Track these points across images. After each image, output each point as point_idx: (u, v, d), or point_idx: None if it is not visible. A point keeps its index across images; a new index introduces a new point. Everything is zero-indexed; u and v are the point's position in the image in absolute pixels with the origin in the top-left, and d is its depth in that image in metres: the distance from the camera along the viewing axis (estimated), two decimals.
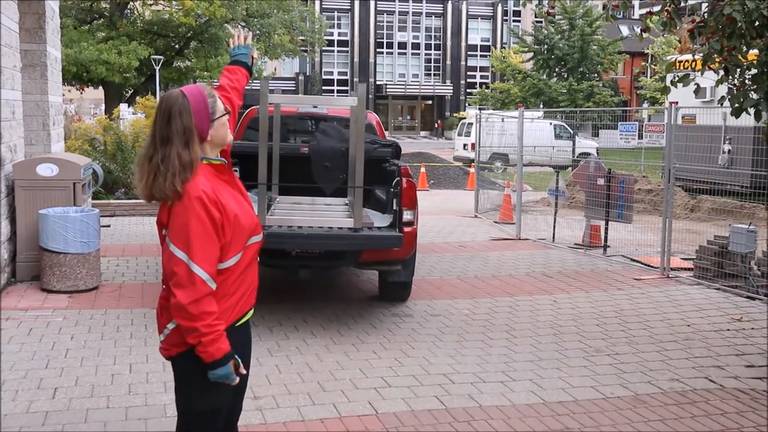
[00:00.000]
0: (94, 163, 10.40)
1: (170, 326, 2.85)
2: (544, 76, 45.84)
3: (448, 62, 66.17)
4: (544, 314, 7.50)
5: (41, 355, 5.81)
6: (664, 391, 5.44)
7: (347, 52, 64.18)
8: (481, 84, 58.46)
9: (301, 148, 7.90)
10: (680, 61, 15.00)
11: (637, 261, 10.26)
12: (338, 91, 62.05)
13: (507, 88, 46.91)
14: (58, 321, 6.75)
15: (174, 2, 28.84)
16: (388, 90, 64.24)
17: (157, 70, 30.25)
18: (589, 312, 7.63)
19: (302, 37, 37.42)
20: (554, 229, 11.97)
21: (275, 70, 50.98)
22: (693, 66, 6.49)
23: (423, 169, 21.30)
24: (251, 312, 3.04)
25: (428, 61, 66.61)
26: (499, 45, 63.28)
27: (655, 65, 48.49)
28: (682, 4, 6.03)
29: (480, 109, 32.43)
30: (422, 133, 65.68)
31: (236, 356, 2.81)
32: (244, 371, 2.86)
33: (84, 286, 7.74)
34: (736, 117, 6.14)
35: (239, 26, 33.00)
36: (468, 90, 63.86)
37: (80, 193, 8.34)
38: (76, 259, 7.64)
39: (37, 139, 9.85)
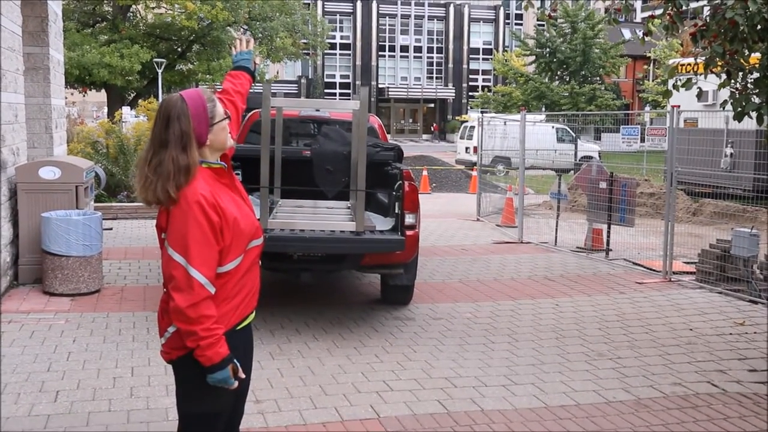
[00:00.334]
0: (97, 166, 10.41)
1: (171, 329, 2.85)
2: (546, 80, 45.81)
3: (450, 65, 66.20)
4: (546, 318, 7.50)
5: (43, 358, 5.81)
6: (666, 395, 5.43)
7: (349, 55, 64.23)
8: (483, 87, 58.51)
9: (303, 152, 7.90)
10: (682, 65, 15.01)
11: (639, 265, 10.25)
12: (340, 95, 62.08)
13: (509, 92, 46.90)
14: (60, 324, 6.75)
15: (176, 5, 28.87)
16: (390, 93, 64.28)
17: (159, 73, 30.28)
18: (591, 315, 7.62)
19: (304, 41, 37.43)
20: (556, 233, 11.96)
21: (277, 73, 51.04)
22: (695, 69, 6.47)
23: (425, 173, 21.30)
24: (253, 315, 3.04)
25: (430, 64, 66.65)
26: (501, 48, 63.30)
27: (657, 69, 48.54)
28: (684, 8, 6.02)
29: (482, 112, 32.46)
30: (424, 137, 65.68)
31: (235, 360, 2.81)
32: (242, 376, 2.85)
33: (86, 289, 7.74)
34: (739, 121, 6.13)
35: (242, 29, 33.12)
36: (470, 93, 63.89)
37: (83, 196, 8.35)
38: (78, 262, 7.64)
39: (39, 142, 9.87)
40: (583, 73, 45.26)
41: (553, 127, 25.63)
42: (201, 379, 2.80)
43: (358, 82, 61.90)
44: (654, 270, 9.83)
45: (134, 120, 21.48)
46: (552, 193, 12.46)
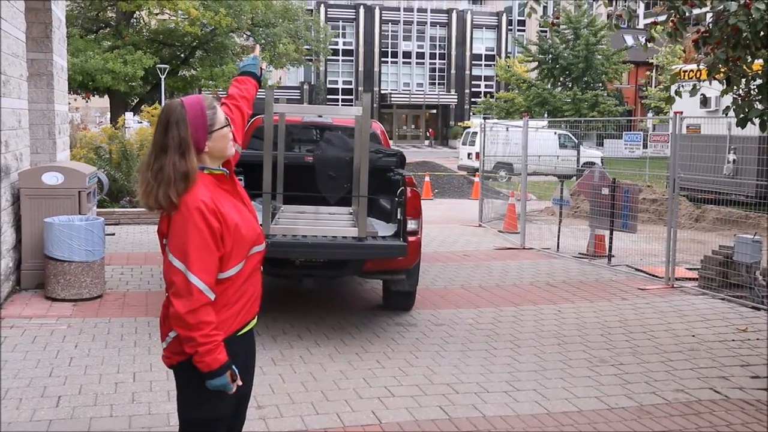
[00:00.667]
0: (99, 172, 10.42)
1: (171, 335, 2.86)
2: (549, 86, 45.85)
3: (453, 71, 66.24)
4: (549, 324, 7.49)
5: (45, 363, 5.81)
6: (668, 401, 5.42)
7: (352, 61, 64.31)
8: (485, 93, 58.48)
9: (305, 158, 7.91)
10: (685, 71, 15.02)
11: (641, 271, 10.24)
12: (343, 101, 62.14)
13: (511, 98, 46.97)
14: (62, 329, 6.75)
15: (180, 12, 28.95)
16: (392, 99, 64.33)
17: (162, 79, 30.35)
18: (593, 322, 7.61)
19: (307, 47, 37.50)
20: (558, 239, 11.96)
21: (280, 79, 51.11)
22: (698, 76, 6.48)
23: (427, 178, 21.30)
24: (254, 321, 3.05)
25: (433, 70, 66.71)
26: (503, 54, 63.33)
27: (659, 75, 48.55)
28: (687, 15, 6.02)
29: (484, 118, 32.47)
30: (426, 142, 65.70)
31: (233, 367, 2.81)
32: (240, 382, 2.85)
33: (88, 294, 7.75)
34: (742, 127, 6.13)
35: (245, 36, 33.20)
36: (472, 99, 63.91)
37: (85, 202, 8.36)
38: (80, 268, 7.65)
39: (42, 148, 9.88)
40: (586, 79, 45.30)
41: (555, 133, 25.64)
42: (201, 384, 2.81)
43: (360, 88, 61.97)
44: (656, 276, 9.82)
45: (137, 126, 21.52)
46: (554, 199, 12.45)
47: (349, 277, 8.38)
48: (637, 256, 10.86)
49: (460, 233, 13.66)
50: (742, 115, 6.02)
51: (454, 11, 65.87)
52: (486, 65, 65.78)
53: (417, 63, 66.20)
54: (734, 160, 14.17)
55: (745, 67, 5.99)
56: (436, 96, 65.64)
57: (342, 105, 56.48)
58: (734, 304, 8.42)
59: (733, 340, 7.05)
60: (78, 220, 7.86)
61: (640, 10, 64.61)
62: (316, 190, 7.59)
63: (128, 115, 28.25)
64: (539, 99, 44.77)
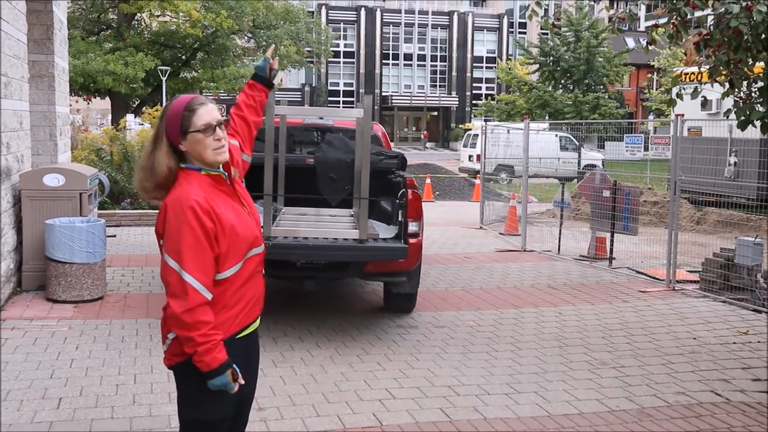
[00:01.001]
0: (101, 174, 10.43)
1: (171, 336, 2.86)
2: (550, 88, 45.84)
3: (454, 74, 66.27)
4: (550, 326, 7.49)
5: (46, 365, 5.82)
6: (669, 404, 5.42)
7: (353, 63, 64.34)
8: (486, 95, 58.50)
9: (306, 159, 7.92)
10: (686, 74, 15.01)
11: (642, 273, 10.23)
12: (344, 103, 62.16)
13: (512, 100, 46.94)
14: (63, 331, 6.75)
15: (181, 14, 28.97)
16: (393, 101, 64.34)
17: (163, 81, 30.37)
18: (594, 324, 7.61)
19: (308, 49, 37.52)
20: (559, 241, 11.96)
21: (281, 81, 51.17)
22: (699, 78, 6.48)
23: (428, 181, 21.30)
24: (256, 324, 3.05)
25: (434, 72, 66.73)
26: (504, 57, 63.35)
27: (661, 77, 48.55)
28: (689, 17, 6.02)
29: (485, 120, 32.47)
30: (428, 145, 65.72)
31: (234, 366, 2.81)
32: (242, 381, 2.85)
33: (89, 296, 7.75)
34: (743, 130, 6.13)
35: (246, 37, 33.21)
36: (473, 101, 63.90)
37: (86, 204, 8.36)
38: (81, 269, 7.65)
39: (44, 150, 9.89)
40: (587, 81, 45.29)
41: (556, 135, 25.63)
42: (200, 385, 2.81)
43: (361, 90, 61.99)
44: (657, 279, 9.82)
45: (138, 127, 21.54)
46: (555, 201, 12.45)
47: (350, 279, 8.38)
48: (638, 259, 10.86)
49: (461, 235, 13.65)
50: (743, 118, 6.02)
51: (456, 13, 65.92)
52: (487, 67, 65.79)
53: (418, 65, 66.23)
54: (735, 163, 14.16)
55: (746, 70, 5.99)
56: (437, 98, 65.67)
57: (343, 107, 56.48)
58: (735, 306, 8.42)
59: (734, 343, 7.04)
60: (79, 222, 7.86)
61: (642, 12, 64.53)
62: (318, 192, 7.59)
63: (129, 116, 28.27)
64: (540, 101, 44.77)
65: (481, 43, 67.28)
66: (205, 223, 2.76)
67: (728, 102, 6.47)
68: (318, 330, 7.07)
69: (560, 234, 12.07)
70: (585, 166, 21.85)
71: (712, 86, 6.33)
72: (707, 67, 6.27)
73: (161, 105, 27.95)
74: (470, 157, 28.48)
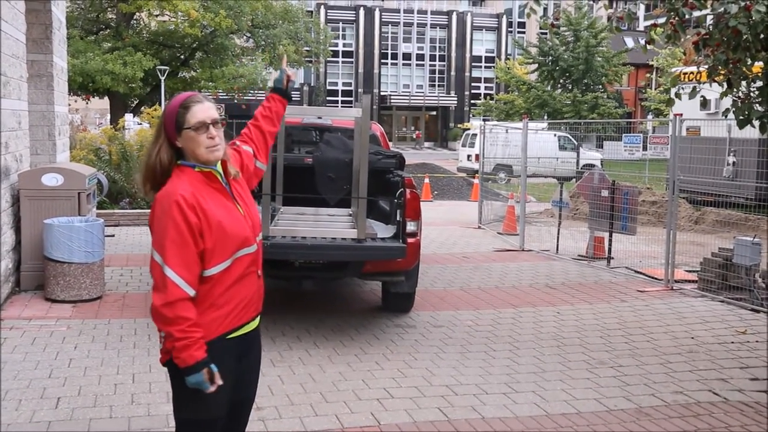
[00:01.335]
0: (99, 173, 10.43)
1: (163, 333, 2.87)
2: (549, 88, 45.85)
3: (453, 73, 66.27)
4: (548, 326, 7.49)
5: (45, 365, 5.82)
6: (667, 403, 5.43)
7: (352, 62, 64.33)
8: (485, 95, 58.49)
9: (305, 159, 7.92)
10: (685, 73, 15.03)
11: (640, 273, 10.24)
12: (343, 102, 62.17)
13: (511, 100, 46.95)
14: (61, 330, 6.75)
15: (180, 13, 28.95)
16: (392, 101, 64.34)
17: (162, 81, 30.36)
18: (592, 324, 7.62)
19: (307, 48, 37.48)
20: (558, 241, 11.96)
21: None
22: (698, 78, 6.49)
23: (427, 180, 21.31)
24: (251, 325, 3.04)
25: (433, 72, 66.73)
26: (503, 56, 63.38)
27: (659, 77, 48.59)
28: (687, 17, 6.03)
29: (484, 120, 32.48)
30: (426, 144, 65.73)
31: (212, 366, 2.79)
32: (220, 382, 2.82)
33: (88, 295, 7.75)
34: (741, 129, 6.14)
35: (245, 37, 33.17)
36: (472, 101, 63.92)
37: (85, 203, 8.36)
38: (80, 269, 7.65)
39: (42, 149, 9.89)
40: (586, 81, 45.30)
41: (555, 135, 25.64)
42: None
43: (360, 90, 61.99)
44: (656, 278, 9.82)
45: (137, 127, 21.53)
46: (554, 201, 12.46)
47: (349, 279, 8.38)
48: (636, 258, 10.87)
49: (460, 235, 13.66)
50: (742, 117, 6.02)
51: (454, 13, 65.93)
52: (486, 67, 65.81)
53: (417, 65, 66.23)
54: (734, 163, 14.16)
55: (745, 69, 6.00)
56: (436, 98, 65.68)
57: (341, 106, 56.49)
58: (733, 306, 8.43)
59: (733, 343, 7.05)
60: (78, 222, 7.86)
61: (641, 12, 64.61)
62: (316, 191, 7.59)
63: (128, 116, 28.24)
64: (539, 101, 44.78)
65: (479, 42, 67.28)
66: (190, 218, 2.77)
67: (727, 101, 6.47)
68: (316, 329, 7.07)
69: (558, 234, 12.08)
70: (583, 165, 21.87)
71: (711, 86, 6.34)
72: (706, 66, 6.27)
73: (160, 105, 27.95)
74: (469, 156, 28.48)
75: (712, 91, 6.52)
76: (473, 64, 66.82)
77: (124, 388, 5.37)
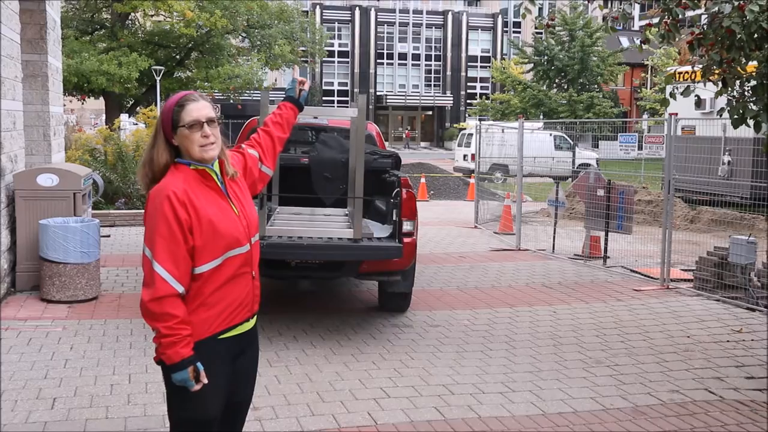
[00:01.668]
0: (95, 174, 10.42)
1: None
2: (544, 87, 45.90)
3: (449, 73, 66.31)
4: (544, 325, 7.50)
5: (40, 365, 5.81)
6: (663, 402, 5.43)
7: (348, 62, 64.33)
8: (481, 95, 58.56)
9: (301, 159, 7.91)
10: (680, 73, 15.04)
11: (636, 272, 10.26)
12: (338, 102, 62.16)
13: (507, 99, 46.99)
14: (57, 331, 6.74)
15: (175, 13, 28.90)
16: (388, 101, 64.36)
17: (157, 81, 30.32)
18: (588, 323, 7.63)
19: (303, 48, 37.46)
20: (554, 240, 11.97)
21: (275, 80, 51.08)
22: (693, 77, 6.50)
23: (423, 180, 21.31)
24: (245, 326, 3.03)
25: (428, 71, 66.76)
26: (499, 56, 63.45)
27: (655, 76, 48.65)
28: (681, 17, 6.04)
29: (480, 119, 32.48)
30: (422, 144, 65.75)
31: (198, 364, 2.80)
32: (205, 381, 2.82)
33: (84, 296, 7.74)
34: (736, 128, 6.15)
35: (240, 37, 33.13)
36: (468, 101, 63.99)
37: (80, 204, 8.35)
38: (75, 269, 7.64)
39: (37, 150, 9.87)
40: (581, 80, 45.36)
41: (551, 134, 25.65)
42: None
43: (356, 90, 61.97)
44: (651, 277, 9.84)
45: (133, 127, 21.52)
46: (550, 200, 12.47)
47: (345, 279, 8.38)
48: (632, 258, 10.88)
49: (456, 235, 13.67)
50: (736, 116, 6.04)
51: (450, 13, 65.96)
52: (482, 67, 65.88)
53: (413, 64, 66.26)
54: (729, 162, 14.18)
55: (739, 69, 6.01)
56: (432, 97, 65.71)
57: (337, 106, 56.47)
58: (729, 305, 8.44)
59: (728, 341, 7.06)
60: (73, 222, 7.85)
61: (636, 12, 64.70)
62: (312, 191, 7.59)
63: (123, 116, 28.21)
64: (535, 101, 44.83)
65: (475, 42, 67.36)
66: (180, 213, 2.78)
67: (722, 101, 6.49)
68: (313, 329, 7.07)
69: (555, 233, 12.09)
70: (579, 165, 21.87)
71: (705, 85, 6.35)
72: (700, 66, 6.29)
73: (156, 105, 27.92)
74: (465, 156, 28.49)
75: (707, 91, 6.54)
76: (469, 63, 66.88)
77: (120, 389, 5.37)
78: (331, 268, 7.06)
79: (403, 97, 64.96)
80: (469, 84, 66.74)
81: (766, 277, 8.52)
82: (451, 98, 65.47)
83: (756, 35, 5.63)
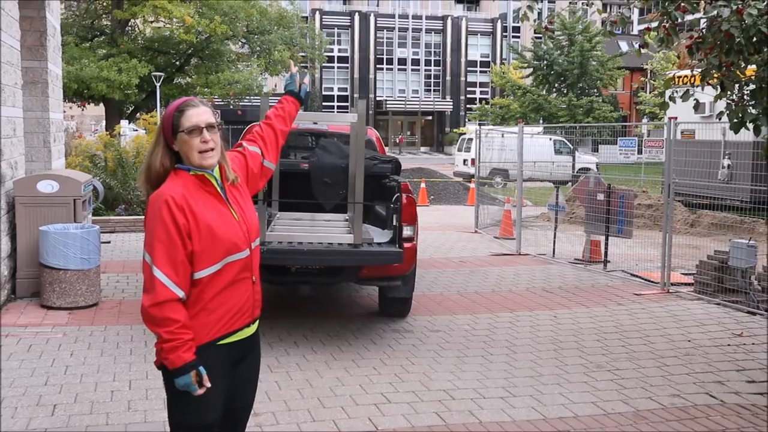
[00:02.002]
0: (95, 180, 10.42)
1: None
2: (544, 92, 45.96)
3: (448, 78, 66.40)
4: (545, 330, 7.49)
5: (40, 372, 5.80)
6: (664, 406, 5.43)
7: (347, 68, 64.41)
8: (480, 99, 58.64)
9: (301, 164, 7.91)
10: (679, 77, 15.06)
11: (637, 276, 10.25)
12: (338, 107, 62.22)
13: (507, 104, 47.04)
14: (57, 337, 6.74)
15: (175, 20, 28.94)
16: (388, 106, 64.42)
17: (157, 87, 30.35)
18: (589, 327, 7.62)
19: (302, 54, 37.51)
20: (554, 245, 11.97)
21: (275, 86, 51.16)
22: (692, 81, 6.50)
23: (423, 185, 21.32)
24: (246, 332, 3.02)
25: (428, 76, 66.85)
26: (498, 61, 63.50)
27: (654, 80, 48.69)
28: (680, 21, 6.05)
29: (480, 124, 32.52)
30: (422, 149, 65.78)
31: (200, 369, 2.79)
32: (208, 385, 2.82)
33: (84, 302, 7.73)
34: (736, 132, 6.16)
35: (240, 43, 33.15)
36: (468, 105, 64.04)
37: (80, 210, 8.35)
38: (76, 276, 7.64)
39: (37, 156, 9.88)
40: (581, 85, 45.42)
41: (550, 139, 25.68)
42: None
43: (356, 95, 62.06)
44: (652, 281, 9.84)
45: (133, 133, 21.53)
46: (550, 204, 12.47)
47: (345, 284, 8.38)
48: (632, 262, 10.88)
49: (456, 239, 13.66)
50: (735, 120, 6.04)
51: (449, 18, 66.05)
52: (481, 71, 65.96)
53: (412, 69, 66.34)
54: (729, 165, 14.19)
55: (738, 73, 6.02)
56: (432, 102, 65.76)
57: (337, 112, 56.51)
58: (730, 308, 8.44)
59: (729, 345, 7.06)
60: (73, 228, 7.85)
61: (635, 16, 64.77)
62: (312, 197, 7.59)
63: (123, 122, 28.22)
64: (534, 105, 44.87)
65: (474, 47, 67.45)
66: (178, 219, 2.78)
67: (721, 105, 6.49)
68: (313, 335, 7.07)
69: (555, 237, 12.09)
70: (579, 169, 21.91)
71: (702, 90, 6.35)
72: (699, 70, 6.30)
73: (156, 111, 27.94)
74: (465, 161, 28.51)
75: (706, 95, 6.54)
76: (468, 68, 66.96)
77: (121, 395, 5.36)
78: (332, 274, 7.06)
79: (403, 102, 65.03)
80: (468, 89, 66.81)
81: (767, 280, 8.52)
82: (451, 103, 65.54)
83: (755, 39, 5.64)
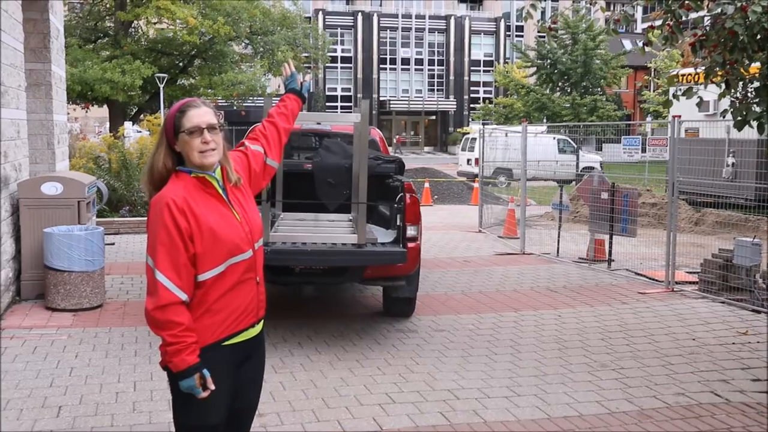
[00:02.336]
0: (99, 181, 10.43)
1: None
2: (548, 91, 45.89)
3: (452, 77, 66.38)
4: (549, 329, 7.49)
5: (45, 374, 5.81)
6: (669, 405, 5.42)
7: (350, 68, 64.42)
8: (484, 99, 58.55)
9: (304, 165, 7.92)
10: (682, 75, 15.05)
11: (641, 275, 10.24)
12: (342, 108, 62.24)
13: (510, 103, 46.99)
14: (62, 339, 6.75)
15: (178, 21, 28.98)
16: (391, 106, 64.42)
17: (161, 88, 30.39)
18: (593, 326, 7.61)
19: (306, 54, 37.53)
20: (558, 244, 11.96)
21: (279, 87, 51.20)
22: (695, 79, 6.50)
23: (427, 185, 21.31)
24: (250, 332, 3.02)
25: (431, 76, 66.83)
26: (502, 60, 63.46)
27: (657, 79, 48.62)
28: (683, 19, 6.04)
29: (483, 124, 32.48)
30: (426, 149, 65.77)
31: (204, 371, 2.80)
32: (212, 387, 2.82)
33: (88, 304, 7.75)
34: (739, 130, 6.14)
35: (243, 44, 33.18)
36: (471, 105, 64.01)
37: (85, 212, 8.37)
38: (80, 278, 7.65)
39: (41, 158, 9.90)
40: (585, 84, 45.34)
41: (554, 138, 25.66)
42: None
43: (359, 95, 62.07)
44: (656, 280, 9.82)
45: (137, 135, 21.55)
46: (554, 203, 12.46)
47: (349, 284, 8.38)
48: (636, 260, 10.86)
49: (460, 239, 13.66)
50: (739, 118, 6.03)
51: (453, 17, 66.02)
52: (484, 71, 65.93)
53: (416, 69, 66.33)
54: (733, 164, 14.17)
55: (742, 70, 6.01)
56: (435, 102, 65.74)
57: (341, 112, 56.55)
58: (734, 307, 8.42)
59: (734, 344, 7.04)
60: (77, 230, 7.86)
61: (638, 14, 64.68)
62: (316, 197, 7.60)
63: (127, 124, 28.26)
64: (538, 104, 44.81)
65: (478, 46, 67.40)
66: (179, 221, 2.78)
67: (725, 103, 6.48)
68: (317, 335, 7.07)
69: (559, 236, 12.08)
70: (583, 168, 21.89)
71: (705, 88, 6.34)
72: (703, 68, 6.28)
73: (159, 112, 27.98)
74: (469, 160, 28.49)
75: (710, 93, 6.53)
76: (472, 68, 66.93)
77: (126, 397, 5.37)
78: (335, 274, 7.06)
79: (407, 102, 65.02)
80: (472, 88, 66.78)
81: None
82: (455, 103, 65.51)
83: (759, 36, 5.63)
